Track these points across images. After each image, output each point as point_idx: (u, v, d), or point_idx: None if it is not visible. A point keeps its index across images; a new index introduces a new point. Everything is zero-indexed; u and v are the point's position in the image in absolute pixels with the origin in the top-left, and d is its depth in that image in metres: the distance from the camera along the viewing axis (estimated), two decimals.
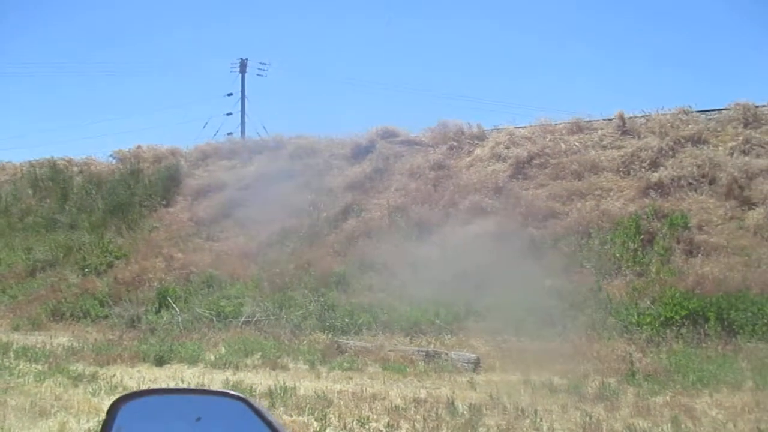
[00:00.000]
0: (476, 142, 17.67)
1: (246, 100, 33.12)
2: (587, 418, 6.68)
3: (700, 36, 56.90)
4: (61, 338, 12.05)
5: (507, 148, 16.69)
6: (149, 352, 10.38)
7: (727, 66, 54.49)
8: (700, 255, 11.94)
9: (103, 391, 7.92)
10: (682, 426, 6.45)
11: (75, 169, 21.77)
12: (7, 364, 9.53)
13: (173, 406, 1.79)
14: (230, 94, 33.34)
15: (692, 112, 15.80)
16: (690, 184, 13.61)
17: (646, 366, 9.01)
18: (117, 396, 1.85)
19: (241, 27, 68.56)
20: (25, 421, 6.56)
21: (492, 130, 18.10)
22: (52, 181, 21.00)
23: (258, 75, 34.68)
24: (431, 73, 64.89)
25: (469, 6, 65.67)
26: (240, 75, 33.52)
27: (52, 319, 13.92)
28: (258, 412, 1.64)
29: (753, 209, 12.60)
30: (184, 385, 8.25)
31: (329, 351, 10.52)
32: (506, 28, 64.86)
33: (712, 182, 13.48)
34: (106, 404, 1.77)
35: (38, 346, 11.08)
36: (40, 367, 9.42)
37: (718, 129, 15.02)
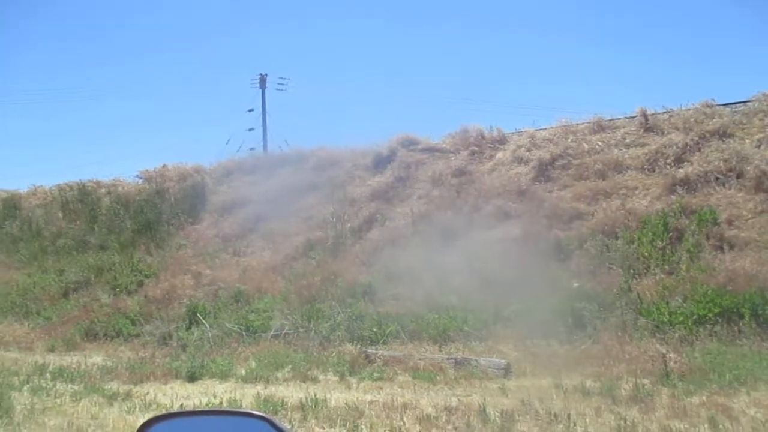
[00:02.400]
0: (497, 146, 17.62)
1: (267, 115, 33.51)
2: (622, 421, 6.60)
3: (718, 29, 56.03)
4: (95, 358, 12.26)
5: (528, 150, 16.61)
6: (181, 369, 10.50)
7: (748, 58, 53.56)
8: (731, 250, 11.71)
9: (137, 409, 8.02)
10: (720, 427, 6.34)
11: (103, 190, 22.21)
12: (44, 384, 9.72)
13: (199, 426, 1.82)
14: (251, 110, 33.77)
15: (716, 105, 15.56)
16: (717, 178, 13.37)
17: (680, 366, 8.85)
18: (148, 417, 1.89)
19: (260, 42, 69.34)
20: None
21: (513, 133, 18.05)
22: (81, 203, 21.45)
23: (278, 89, 34.89)
24: (450, 79, 64.87)
25: (485, 11, 65.61)
26: (260, 90, 33.94)
27: (85, 339, 14.16)
28: (281, 431, 1.67)
29: None
30: (217, 401, 8.36)
31: (358, 362, 10.53)
32: (522, 31, 64.59)
33: (739, 176, 13.23)
34: (141, 422, 1.81)
35: (73, 366, 11.27)
36: (75, 387, 9.58)
37: (744, 121, 14.76)
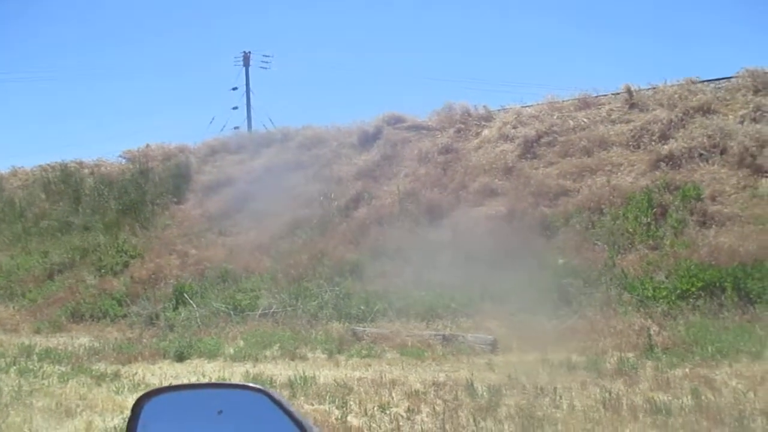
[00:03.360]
0: (483, 123, 17.61)
1: (251, 93, 33.04)
2: (607, 394, 6.69)
3: (702, 5, 56.05)
4: (82, 339, 12.21)
5: (515, 127, 16.61)
6: (169, 349, 10.51)
7: (731, 34, 53.69)
8: (714, 226, 11.84)
9: (126, 389, 8.02)
10: (703, 398, 6.44)
11: (86, 171, 21.94)
12: (31, 366, 9.67)
13: (196, 400, 1.83)
14: (235, 89, 33.29)
15: (699, 82, 15.63)
16: (701, 155, 13.48)
17: (663, 339, 9.00)
18: (141, 393, 1.89)
19: (243, 20, 68.47)
20: (51, 422, 6.67)
21: (499, 110, 18.03)
22: (64, 183, 21.19)
23: (262, 68, 34.28)
24: (435, 56, 64.56)
25: None
26: (244, 68, 33.43)
27: (72, 320, 14.09)
28: (278, 403, 1.68)
29: (766, 177, 12.46)
30: (206, 380, 8.37)
31: (346, 339, 10.59)
32: (507, 7, 64.27)
33: (723, 152, 13.33)
34: (130, 402, 1.82)
35: (60, 347, 11.24)
36: (63, 368, 9.55)
37: (728, 98, 14.85)
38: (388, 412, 6.60)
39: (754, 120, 13.79)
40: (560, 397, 6.72)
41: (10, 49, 62.36)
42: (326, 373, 8.57)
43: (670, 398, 6.55)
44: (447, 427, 6.04)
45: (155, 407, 1.76)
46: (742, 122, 13.85)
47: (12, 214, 20.61)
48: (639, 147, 14.50)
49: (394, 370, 8.74)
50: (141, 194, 19.18)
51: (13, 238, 19.20)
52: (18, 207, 20.87)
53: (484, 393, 7.03)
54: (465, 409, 6.55)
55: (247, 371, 8.90)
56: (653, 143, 14.29)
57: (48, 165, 22.66)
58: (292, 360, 9.68)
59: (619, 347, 8.84)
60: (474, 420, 6.13)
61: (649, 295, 10.53)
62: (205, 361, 9.95)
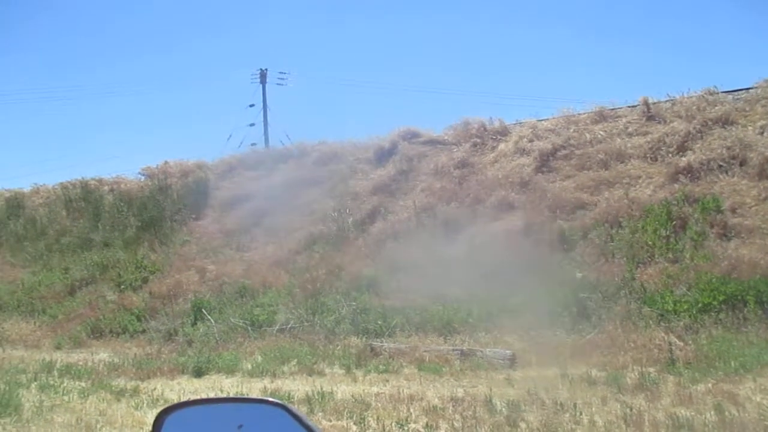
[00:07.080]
0: (499, 137, 17.60)
1: (268, 110, 33.39)
2: (628, 410, 6.61)
3: (719, 16, 55.76)
4: (101, 354, 12.30)
5: (531, 141, 16.58)
6: (188, 364, 10.54)
7: (750, 45, 53.31)
8: (734, 238, 11.68)
9: (145, 405, 8.05)
10: (726, 413, 6.33)
11: (106, 188, 22.23)
12: (52, 382, 9.74)
13: (216, 414, 1.84)
14: (252, 105, 33.65)
15: (718, 93, 15.49)
16: (720, 166, 13.34)
17: (685, 354, 8.87)
18: (161, 408, 1.91)
19: (259, 38, 69.24)
20: None
21: (515, 124, 18.03)
22: (85, 201, 21.48)
23: (278, 84, 34.66)
24: (451, 71, 64.72)
25: (485, 1, 65.35)
26: (261, 85, 33.80)
27: (92, 336, 14.20)
28: (297, 418, 1.69)
29: None
30: (224, 395, 8.37)
31: (364, 354, 10.56)
32: (522, 21, 64.41)
33: (743, 163, 13.19)
34: (149, 417, 1.84)
35: (80, 363, 11.31)
36: (83, 384, 9.61)
37: (747, 108, 14.71)
38: (406, 428, 6.56)
39: None
40: (580, 413, 6.65)
41: (30, 68, 63.64)
42: (344, 389, 8.55)
43: (692, 414, 6.44)
44: None
45: (176, 422, 1.78)
46: (761, 133, 13.70)
47: (34, 231, 20.91)
48: (657, 159, 14.39)
49: (412, 385, 8.70)
50: (160, 210, 19.38)
51: (35, 254, 19.46)
52: (40, 224, 21.17)
53: (503, 409, 6.97)
54: (484, 426, 6.49)
55: (264, 387, 8.91)
56: (671, 155, 14.18)
57: (69, 182, 22.99)
58: (310, 375, 9.67)
59: (640, 362, 8.72)
60: None
61: (670, 308, 10.38)
62: (224, 377, 9.97)
